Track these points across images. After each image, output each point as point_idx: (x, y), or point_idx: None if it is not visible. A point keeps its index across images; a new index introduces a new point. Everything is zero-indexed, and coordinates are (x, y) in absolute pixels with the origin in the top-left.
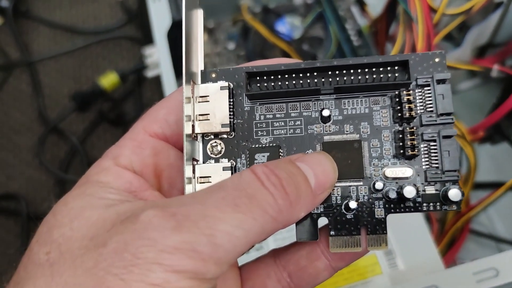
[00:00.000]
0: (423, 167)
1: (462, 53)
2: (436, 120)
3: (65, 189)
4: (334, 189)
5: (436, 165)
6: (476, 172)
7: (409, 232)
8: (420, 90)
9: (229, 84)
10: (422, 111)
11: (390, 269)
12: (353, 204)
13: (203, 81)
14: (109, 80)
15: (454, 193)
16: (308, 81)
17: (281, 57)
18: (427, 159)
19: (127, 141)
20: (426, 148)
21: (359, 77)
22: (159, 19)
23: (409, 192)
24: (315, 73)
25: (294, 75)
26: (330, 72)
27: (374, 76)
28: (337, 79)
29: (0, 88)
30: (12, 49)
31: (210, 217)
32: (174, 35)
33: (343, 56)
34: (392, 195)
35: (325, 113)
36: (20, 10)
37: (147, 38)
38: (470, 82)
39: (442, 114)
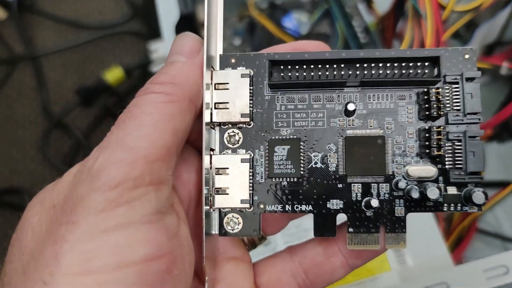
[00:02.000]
0: (447, 167)
1: None
2: (462, 120)
3: None
4: (354, 185)
5: (460, 166)
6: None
7: (418, 229)
8: (448, 87)
9: (250, 72)
10: (449, 109)
11: (399, 265)
12: (375, 203)
13: (221, 67)
14: (114, 75)
15: (478, 196)
16: (334, 72)
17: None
18: (451, 159)
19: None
20: (450, 148)
21: (387, 71)
22: (167, 13)
23: (433, 193)
24: (341, 65)
25: (318, 65)
26: (357, 65)
27: (403, 71)
28: (365, 72)
29: (5, 82)
30: (16, 43)
31: (117, 137)
32: (182, 29)
33: None
34: (415, 195)
35: (351, 107)
36: (24, 4)
37: (152, 33)
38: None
39: (469, 114)
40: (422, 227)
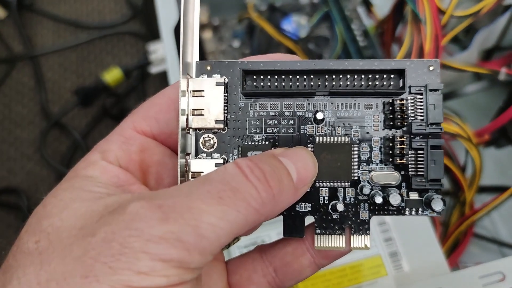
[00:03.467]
0: (409, 173)
1: (469, 55)
2: (425, 129)
3: None
4: (322, 189)
5: (422, 173)
6: (481, 176)
7: (414, 234)
8: (412, 98)
9: (224, 79)
10: (413, 118)
11: (395, 270)
12: (340, 207)
13: (197, 74)
14: (112, 75)
15: (436, 203)
16: (305, 82)
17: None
18: (413, 166)
19: (115, 136)
20: (413, 156)
21: (355, 83)
22: (166, 14)
23: (395, 199)
24: (311, 75)
25: (289, 76)
26: (326, 76)
27: (370, 82)
28: (333, 83)
29: (3, 81)
30: (15, 42)
31: (195, 209)
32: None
33: (348, 57)
34: (378, 200)
35: (319, 116)
36: (24, 3)
37: (152, 34)
38: (477, 85)
39: (432, 124)
40: (419, 232)
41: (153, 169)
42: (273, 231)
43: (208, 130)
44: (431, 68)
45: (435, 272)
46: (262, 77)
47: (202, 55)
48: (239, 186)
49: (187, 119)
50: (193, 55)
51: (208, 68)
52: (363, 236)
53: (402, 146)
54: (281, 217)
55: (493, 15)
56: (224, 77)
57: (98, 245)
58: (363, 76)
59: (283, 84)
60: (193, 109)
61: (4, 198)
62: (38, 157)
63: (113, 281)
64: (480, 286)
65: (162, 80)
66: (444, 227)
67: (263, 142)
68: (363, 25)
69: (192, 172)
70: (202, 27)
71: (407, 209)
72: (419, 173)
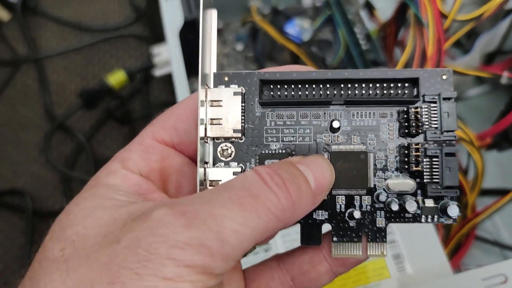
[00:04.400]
0: (425, 181)
1: (471, 59)
2: (440, 137)
3: (71, 186)
4: (338, 197)
5: (437, 180)
6: (482, 179)
7: (417, 236)
8: (426, 106)
9: (242, 89)
10: (427, 127)
11: (398, 273)
12: (357, 214)
13: (215, 84)
14: (117, 78)
15: (452, 210)
16: (320, 92)
17: (289, 59)
18: (428, 174)
19: (135, 146)
20: (428, 163)
21: (370, 91)
22: (171, 18)
23: (411, 206)
24: (327, 85)
25: (306, 85)
26: (342, 85)
27: (384, 91)
28: (348, 92)
29: (7, 83)
30: (20, 45)
31: (217, 215)
32: (186, 34)
33: (351, 60)
34: (394, 207)
35: (335, 124)
36: (28, 6)
37: (155, 37)
38: (479, 89)
39: (446, 131)
40: (422, 234)
41: (173, 178)
42: (277, 235)
43: (226, 139)
44: (444, 77)
45: (438, 274)
46: (279, 86)
47: None
48: (259, 193)
49: (205, 129)
50: (211, 66)
51: (226, 79)
52: (379, 243)
53: (418, 153)
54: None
55: (495, 19)
56: (241, 87)
57: (124, 252)
58: (377, 85)
59: (300, 93)
60: (211, 119)
61: (9, 199)
62: (43, 159)
63: (139, 287)
64: None
65: (166, 82)
66: (446, 229)
67: (280, 151)
68: (365, 29)
69: (210, 180)
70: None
71: (423, 216)
72: (434, 180)
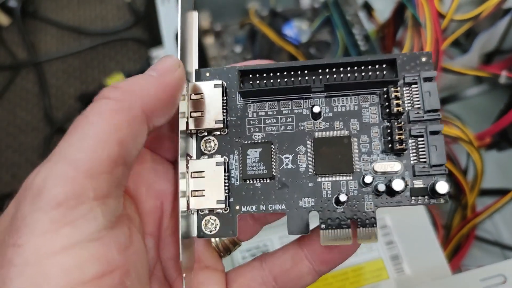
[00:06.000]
0: (411, 161)
1: (470, 59)
2: (423, 116)
3: None
4: (324, 183)
5: (424, 160)
6: (482, 179)
7: (416, 237)
8: (407, 88)
9: (222, 83)
10: (410, 108)
11: (396, 274)
12: (343, 197)
13: (197, 81)
14: (115, 81)
15: (441, 185)
16: (299, 78)
17: (288, 60)
18: (415, 154)
19: None
20: (414, 144)
21: (349, 75)
22: (168, 21)
23: (398, 184)
24: (306, 71)
25: (285, 73)
26: (320, 70)
27: (363, 74)
28: (327, 77)
29: (7, 87)
30: (19, 49)
31: (59, 150)
32: None
33: None
34: (381, 188)
35: (316, 109)
36: (27, 10)
37: (154, 40)
38: (478, 88)
39: (429, 111)
40: (420, 235)
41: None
42: (275, 235)
43: (209, 132)
44: (423, 59)
45: (436, 275)
46: (258, 76)
47: (205, 60)
48: (88, 111)
49: (187, 122)
50: (193, 64)
51: (207, 74)
52: (369, 228)
53: (400, 131)
54: (284, 221)
55: (493, 19)
56: (221, 80)
57: (5, 233)
58: (356, 69)
59: (279, 81)
60: (192, 112)
61: (9, 203)
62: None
63: (26, 257)
64: None
65: None
66: (446, 230)
67: (263, 141)
68: (364, 30)
69: (192, 172)
70: (204, 32)
71: (413, 198)
72: (421, 160)
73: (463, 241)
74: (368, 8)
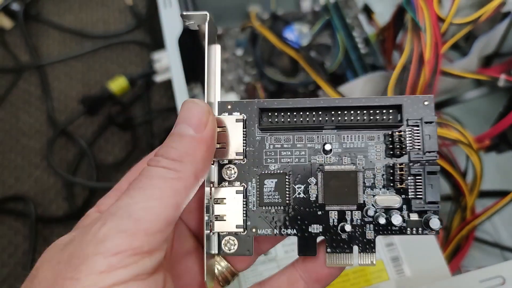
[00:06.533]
0: (409, 197)
1: (469, 62)
2: (422, 157)
3: (73, 192)
4: (331, 212)
5: (420, 196)
6: (481, 181)
7: (416, 239)
8: (409, 129)
9: (243, 117)
10: (411, 148)
11: (397, 275)
12: (348, 228)
13: (219, 112)
14: (118, 84)
15: (435, 223)
16: (314, 118)
17: (289, 64)
18: (413, 190)
19: (112, 192)
20: (412, 181)
21: (358, 117)
22: (171, 25)
23: (397, 220)
24: (319, 112)
25: (300, 112)
26: (333, 112)
27: (371, 116)
28: (339, 118)
29: (10, 90)
30: (22, 52)
31: (125, 205)
32: (185, 41)
33: (350, 64)
34: (382, 221)
35: (327, 147)
36: (30, 14)
37: (156, 43)
38: (477, 91)
39: (427, 152)
40: (420, 238)
41: None
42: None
43: (230, 161)
44: (426, 103)
45: (436, 276)
46: (276, 113)
47: None
48: (150, 173)
49: None
50: (216, 96)
51: (229, 107)
52: (369, 254)
53: (402, 172)
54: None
55: (492, 22)
56: (243, 114)
57: (63, 267)
58: (365, 111)
59: (295, 119)
60: (216, 143)
61: (12, 205)
62: (45, 165)
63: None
64: None
65: (167, 88)
66: (446, 232)
67: (278, 171)
68: (364, 33)
69: (215, 198)
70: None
71: (408, 228)
72: (418, 196)
73: (462, 242)
74: (368, 12)
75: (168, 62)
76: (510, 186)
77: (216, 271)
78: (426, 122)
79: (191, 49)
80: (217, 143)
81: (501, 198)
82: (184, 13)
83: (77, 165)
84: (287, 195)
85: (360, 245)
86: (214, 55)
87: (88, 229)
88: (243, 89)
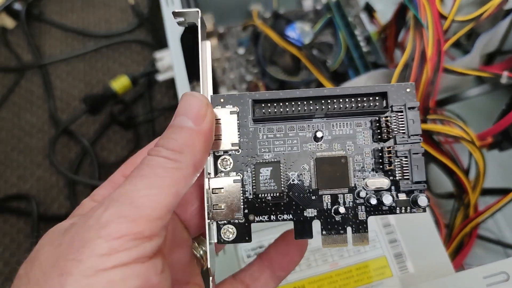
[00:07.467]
0: (397, 178)
1: (471, 59)
2: (407, 140)
3: (75, 190)
4: (325, 196)
5: (407, 177)
6: (484, 178)
7: (419, 235)
8: (394, 115)
9: (237, 109)
10: (396, 132)
11: (400, 272)
12: (342, 210)
13: (213, 105)
14: (120, 83)
15: (422, 200)
16: (305, 107)
17: (291, 61)
18: (400, 172)
19: (107, 183)
20: (399, 163)
21: (346, 105)
22: (173, 23)
23: (387, 199)
24: (310, 101)
25: (292, 102)
26: (322, 101)
27: (359, 104)
28: (328, 106)
29: (12, 90)
30: (24, 51)
31: (127, 192)
32: (187, 39)
33: (352, 62)
34: (373, 201)
35: (319, 134)
36: (32, 13)
37: (158, 42)
38: (479, 89)
39: (412, 135)
40: (423, 234)
41: None
42: (276, 234)
43: (225, 152)
44: (408, 90)
45: (439, 273)
46: (269, 105)
47: None
48: (151, 162)
49: None
50: (208, 90)
51: (221, 100)
52: (362, 233)
53: (390, 155)
54: (283, 223)
55: (494, 20)
56: (236, 107)
57: (65, 249)
58: (353, 99)
59: (287, 109)
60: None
61: (15, 204)
62: (47, 164)
63: (83, 270)
64: (484, 287)
65: (168, 87)
66: (449, 229)
67: (272, 160)
68: (366, 31)
69: (213, 188)
70: (208, 34)
71: (398, 208)
72: (405, 177)
73: (465, 240)
74: (369, 10)
75: (170, 61)
76: None
77: (198, 255)
78: (410, 108)
79: (193, 47)
80: (214, 135)
81: (504, 196)
82: (176, 11)
83: (79, 163)
84: (282, 182)
85: (353, 226)
86: (205, 51)
87: (90, 214)
88: (245, 87)
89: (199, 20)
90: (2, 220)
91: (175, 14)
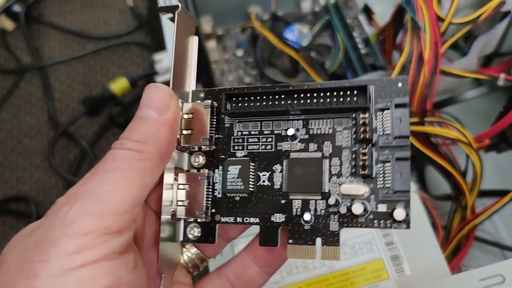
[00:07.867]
0: (377, 186)
1: (469, 62)
2: (392, 143)
3: None
4: (295, 201)
5: (388, 185)
6: (481, 180)
7: (416, 238)
8: (380, 113)
9: (212, 103)
10: (381, 133)
11: (397, 274)
12: (307, 216)
13: (193, 100)
14: (119, 85)
15: (398, 213)
16: (278, 102)
17: (289, 63)
18: (381, 179)
19: (83, 180)
20: (381, 169)
21: (322, 101)
22: (171, 25)
23: (357, 208)
24: (289, 95)
25: (269, 97)
26: (301, 95)
27: (336, 99)
28: (305, 101)
29: (11, 91)
30: (23, 53)
31: (91, 188)
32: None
33: (350, 64)
34: (343, 210)
35: (290, 132)
36: (31, 15)
37: (157, 44)
38: (476, 91)
39: (398, 137)
40: (420, 236)
41: None
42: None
43: (199, 148)
44: (399, 85)
45: (436, 276)
46: (246, 98)
47: (207, 64)
48: (114, 155)
49: (178, 139)
50: (191, 85)
51: (201, 95)
52: (332, 247)
53: (365, 157)
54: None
55: (491, 22)
56: (211, 101)
57: (31, 251)
58: (334, 94)
59: (264, 103)
60: (183, 129)
61: (14, 206)
62: (47, 165)
63: (50, 271)
64: None
65: None
66: (446, 231)
67: (243, 158)
68: (364, 33)
69: (179, 183)
70: (206, 36)
71: (375, 221)
72: (386, 185)
73: (463, 242)
74: (368, 12)
75: (169, 63)
76: (510, 185)
77: (185, 257)
78: (397, 105)
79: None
80: (186, 129)
81: (501, 198)
82: (160, 6)
83: (78, 165)
84: (251, 183)
85: (323, 237)
86: (191, 47)
87: (55, 214)
88: None
89: (176, 14)
90: (1, 222)
91: (160, 9)
